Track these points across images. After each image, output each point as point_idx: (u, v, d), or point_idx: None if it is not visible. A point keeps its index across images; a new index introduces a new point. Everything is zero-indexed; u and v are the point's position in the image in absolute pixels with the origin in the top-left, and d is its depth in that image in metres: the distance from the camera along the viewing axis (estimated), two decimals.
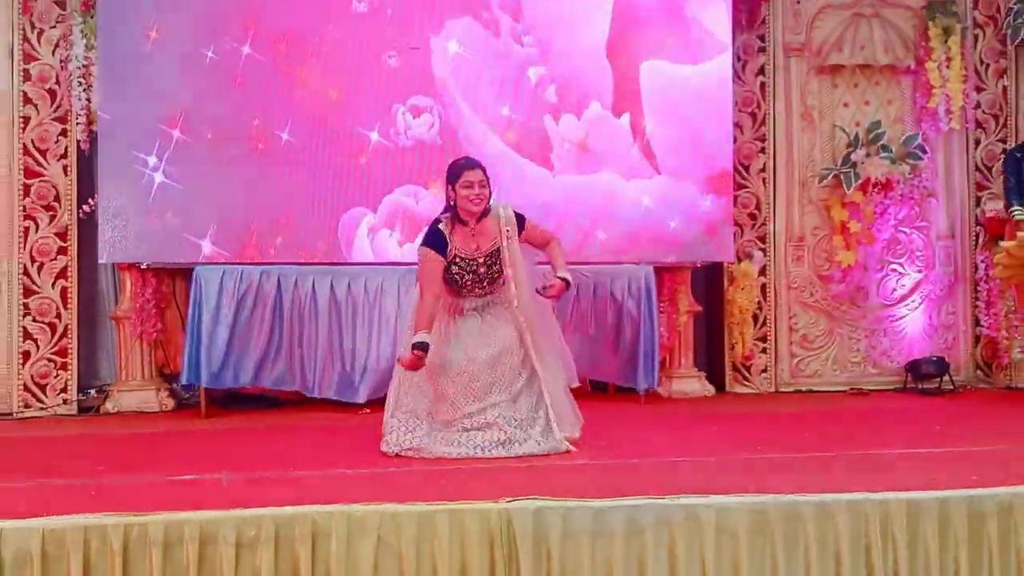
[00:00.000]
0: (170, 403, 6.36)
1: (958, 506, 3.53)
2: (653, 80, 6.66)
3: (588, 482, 3.80)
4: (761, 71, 7.12)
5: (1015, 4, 7.08)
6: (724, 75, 6.78)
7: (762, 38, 7.12)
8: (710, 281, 7.18)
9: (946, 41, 7.08)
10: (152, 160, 6.14)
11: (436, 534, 3.32)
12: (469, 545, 3.34)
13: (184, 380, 6.11)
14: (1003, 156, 6.79)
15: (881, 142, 7.06)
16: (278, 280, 6.16)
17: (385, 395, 4.95)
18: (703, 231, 6.73)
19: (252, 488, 3.85)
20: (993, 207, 6.98)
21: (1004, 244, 6.27)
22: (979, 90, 7.22)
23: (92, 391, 6.45)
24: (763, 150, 7.12)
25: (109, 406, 6.27)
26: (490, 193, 4.65)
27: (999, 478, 3.76)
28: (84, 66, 6.23)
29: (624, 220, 6.64)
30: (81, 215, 6.29)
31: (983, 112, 7.24)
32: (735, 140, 6.96)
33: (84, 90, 6.23)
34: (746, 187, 7.09)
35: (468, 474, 4.09)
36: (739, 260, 7.02)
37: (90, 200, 6.27)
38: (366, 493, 3.51)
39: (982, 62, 7.24)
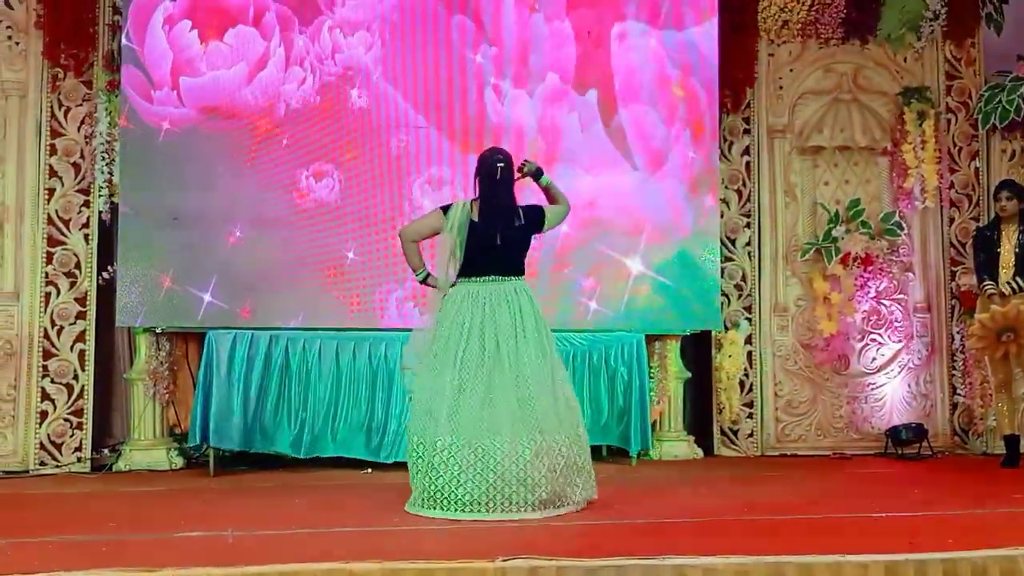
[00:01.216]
0: (179, 462, 6.34)
1: (935, 569, 3.52)
2: None
3: (580, 542, 3.79)
4: (746, 151, 7.22)
5: (985, 91, 7.21)
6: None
7: (747, 120, 7.24)
8: (698, 348, 7.19)
9: (921, 125, 7.20)
10: (168, 233, 6.23)
11: None
12: None
13: (192, 441, 6.10)
14: (975, 233, 6.86)
15: (861, 219, 7.15)
16: (286, 345, 6.18)
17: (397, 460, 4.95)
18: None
19: (256, 545, 3.84)
20: (967, 281, 7.03)
21: (979, 317, 6.33)
22: (952, 171, 7.31)
23: (105, 450, 6.44)
24: (748, 225, 7.19)
25: (121, 464, 6.26)
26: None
27: (975, 542, 3.74)
28: (108, 142, 6.32)
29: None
30: (100, 282, 6.33)
31: (957, 192, 7.32)
32: (722, 215, 7.03)
33: (107, 164, 6.31)
34: (732, 259, 7.15)
35: (465, 532, 4.07)
36: (726, 328, 7.05)
37: (109, 267, 6.32)
38: (367, 550, 3.50)
39: (955, 144, 7.34)
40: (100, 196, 6.32)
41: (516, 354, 4.68)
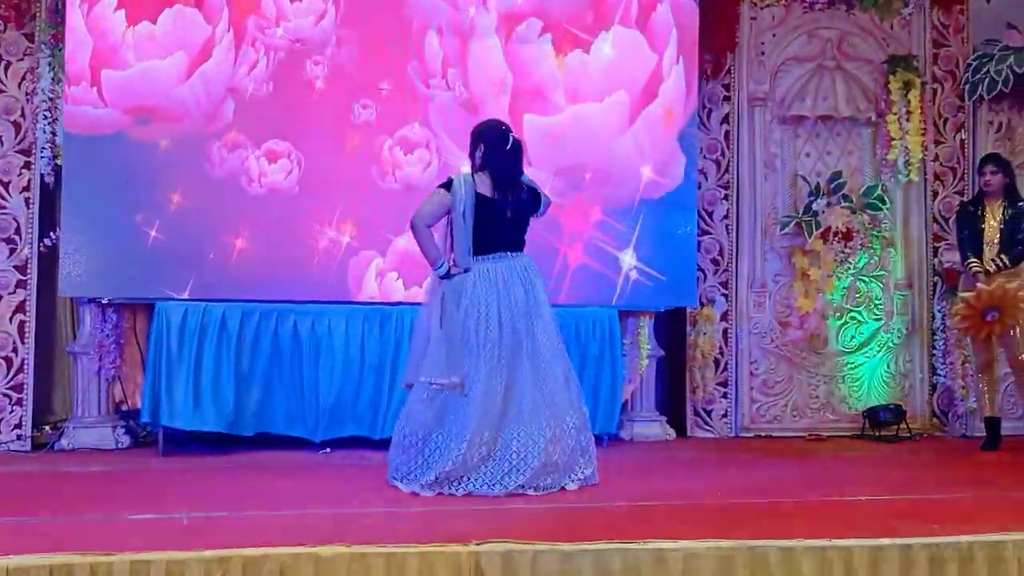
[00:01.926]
0: (126, 440, 6.30)
1: (920, 554, 3.61)
2: None
3: (557, 526, 3.83)
4: (725, 119, 7.26)
5: (973, 60, 7.29)
6: None
7: (727, 87, 7.27)
8: (672, 325, 7.26)
9: (906, 95, 7.26)
10: (117, 197, 6.13)
11: None
12: None
13: (144, 418, 6.07)
14: (958, 208, 6.97)
15: (842, 192, 7.22)
16: (241, 317, 6.14)
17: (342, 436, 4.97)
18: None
19: (211, 528, 3.85)
20: (950, 258, 7.14)
21: (963, 295, 6.44)
22: (937, 143, 7.41)
23: (47, 427, 6.38)
24: (726, 197, 7.24)
25: (64, 443, 6.19)
26: None
27: (960, 526, 3.84)
28: (51, 99, 6.22)
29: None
30: (42, 248, 6.26)
31: (941, 165, 7.42)
32: (699, 187, 7.08)
33: (49, 123, 6.22)
34: (710, 233, 7.20)
35: (437, 516, 4.11)
36: (702, 305, 7.12)
37: (52, 233, 6.24)
38: (334, 534, 3.52)
39: (940, 116, 7.43)
40: (42, 157, 6.23)
41: (533, 337, 4.81)
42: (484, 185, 4.85)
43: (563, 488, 4.77)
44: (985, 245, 6.52)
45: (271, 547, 3.34)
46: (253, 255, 6.29)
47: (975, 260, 6.49)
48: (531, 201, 4.97)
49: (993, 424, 6.59)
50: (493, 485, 4.66)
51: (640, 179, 6.77)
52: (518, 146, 4.94)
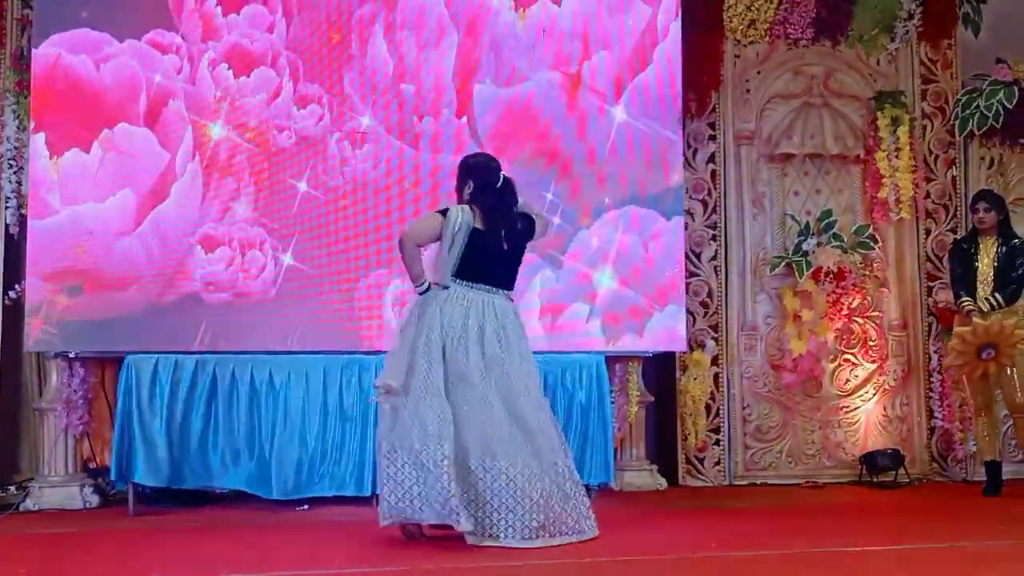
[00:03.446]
0: (95, 500, 6.15)
1: None
2: None
3: None
4: (712, 159, 7.21)
5: (962, 96, 7.28)
6: None
7: (712, 126, 7.23)
8: (662, 370, 7.16)
9: (895, 131, 7.25)
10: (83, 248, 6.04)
11: None
12: None
13: (112, 476, 5.94)
14: (951, 246, 6.92)
15: (832, 231, 7.17)
16: (214, 369, 6.03)
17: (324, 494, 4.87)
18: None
19: None
20: (945, 297, 7.08)
21: (958, 331, 6.37)
22: (928, 180, 7.37)
23: (12, 488, 6.23)
24: (714, 237, 7.18)
25: (30, 503, 6.04)
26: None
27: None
28: (16, 148, 6.16)
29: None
30: (7, 301, 6.15)
31: (933, 202, 7.38)
32: (686, 228, 7.01)
33: (15, 172, 6.15)
34: (698, 275, 7.13)
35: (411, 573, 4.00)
36: (691, 349, 7.03)
37: (16, 286, 6.13)
38: None
39: (931, 152, 7.40)
40: (7, 208, 6.15)
41: (504, 373, 4.76)
42: (477, 219, 4.86)
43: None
44: (979, 283, 6.46)
45: None
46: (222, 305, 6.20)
47: (968, 299, 6.43)
48: (527, 230, 5.02)
49: (994, 468, 6.50)
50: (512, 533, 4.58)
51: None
52: (508, 183, 4.96)
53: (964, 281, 6.52)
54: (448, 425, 4.60)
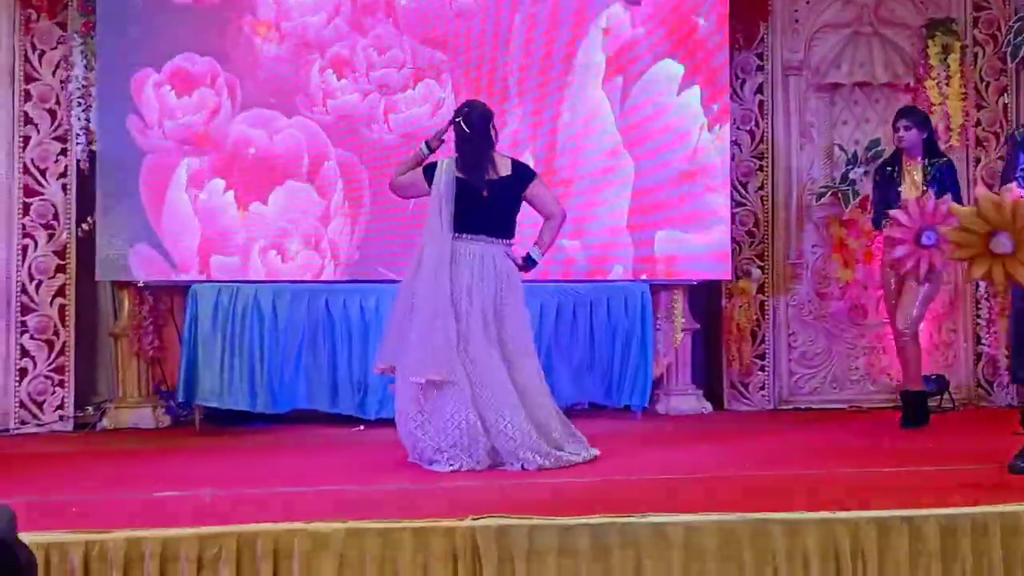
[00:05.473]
0: (166, 420, 6.36)
1: (931, 527, 3.47)
2: None
3: (556, 499, 3.77)
4: (759, 89, 7.07)
5: (1015, 22, 7.02)
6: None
7: (760, 56, 7.08)
8: (708, 297, 7.12)
9: (945, 59, 7.01)
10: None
11: (400, 552, 3.30)
12: (432, 563, 3.30)
13: (180, 398, 6.14)
14: (875, 169, 6.46)
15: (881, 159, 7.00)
16: (273, 296, 6.16)
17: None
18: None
19: (229, 507, 3.85)
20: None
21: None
22: (979, 108, 7.15)
23: (90, 408, 6.46)
24: (761, 168, 7.06)
25: (106, 423, 6.29)
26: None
27: (976, 497, 3.70)
28: (84, 86, 6.26)
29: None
30: (80, 233, 6.32)
31: (983, 130, 7.16)
32: (733, 158, 6.91)
33: (84, 110, 6.27)
34: (744, 205, 7.03)
35: (433, 491, 4.07)
36: (737, 278, 6.96)
37: (89, 218, 6.30)
38: (330, 510, 3.50)
39: (982, 80, 7.17)
40: (77, 144, 6.29)
41: (502, 327, 4.78)
42: (459, 167, 4.84)
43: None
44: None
45: (267, 523, 3.32)
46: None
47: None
48: (514, 181, 4.88)
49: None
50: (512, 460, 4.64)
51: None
52: (482, 127, 4.84)
53: (884, 207, 5.93)
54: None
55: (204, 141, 6.27)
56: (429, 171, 4.88)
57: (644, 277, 6.63)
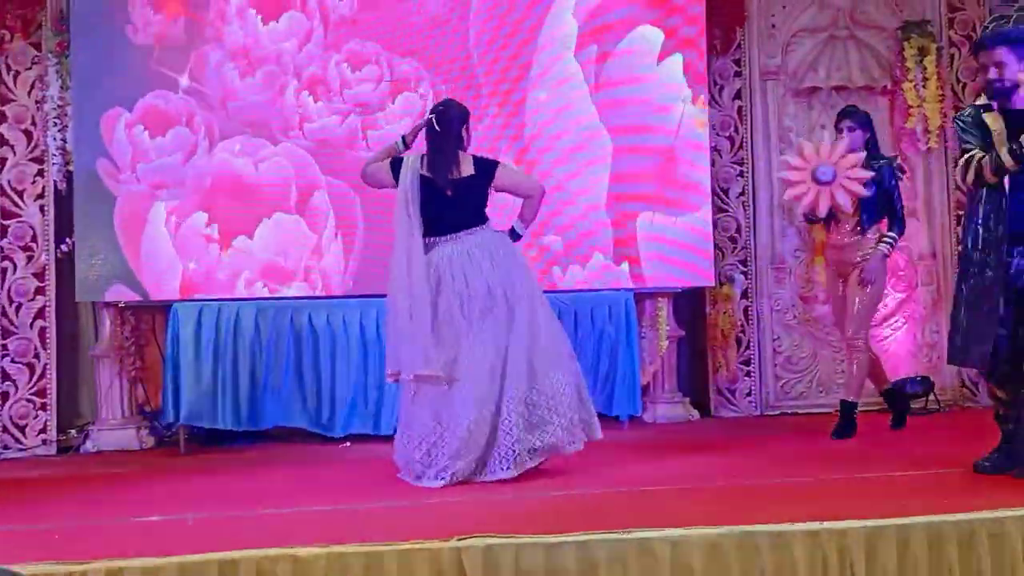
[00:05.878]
0: (150, 441, 6.29)
1: (918, 534, 3.44)
2: None
3: (544, 516, 3.73)
4: (738, 95, 7.06)
5: (990, 22, 6.97)
6: None
7: (738, 62, 7.07)
8: (693, 304, 7.09)
9: (922, 61, 7.02)
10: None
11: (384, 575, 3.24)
12: None
13: (164, 419, 6.07)
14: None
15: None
16: (255, 315, 6.10)
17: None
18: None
19: (212, 529, 3.80)
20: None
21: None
22: (956, 109, 7.09)
23: (73, 431, 6.38)
24: (742, 174, 7.05)
25: (89, 445, 6.21)
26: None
27: (961, 503, 3.67)
28: (59, 106, 6.21)
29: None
30: (59, 254, 6.25)
31: None
32: (713, 164, 6.89)
33: (60, 130, 6.22)
34: (726, 211, 7.02)
35: (418, 509, 4.02)
36: (721, 284, 6.94)
37: (67, 240, 6.23)
38: (313, 534, 3.44)
39: (958, 81, 7.18)
40: (54, 164, 6.23)
41: (507, 305, 4.71)
42: (424, 165, 4.82)
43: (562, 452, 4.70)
44: (840, 213, 5.74)
45: (249, 549, 3.26)
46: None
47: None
48: (478, 179, 4.82)
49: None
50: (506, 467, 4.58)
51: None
52: (455, 128, 4.81)
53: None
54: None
55: (180, 183, 6.21)
56: (396, 165, 4.84)
57: (629, 285, 6.60)
